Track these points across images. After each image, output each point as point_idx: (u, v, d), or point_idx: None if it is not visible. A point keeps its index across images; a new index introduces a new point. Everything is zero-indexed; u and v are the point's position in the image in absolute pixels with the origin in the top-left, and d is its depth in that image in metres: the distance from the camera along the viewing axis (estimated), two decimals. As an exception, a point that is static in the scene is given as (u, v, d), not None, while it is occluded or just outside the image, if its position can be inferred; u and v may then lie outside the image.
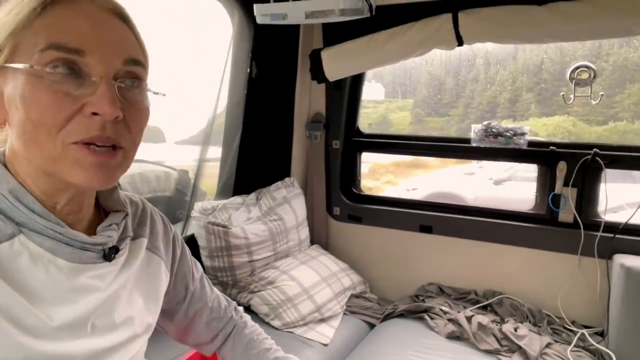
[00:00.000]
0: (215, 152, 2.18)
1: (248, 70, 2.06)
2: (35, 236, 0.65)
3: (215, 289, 1.06)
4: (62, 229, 0.66)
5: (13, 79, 0.61)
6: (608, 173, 1.89)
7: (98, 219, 0.76)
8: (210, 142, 2.08)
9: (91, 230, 0.73)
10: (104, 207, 0.79)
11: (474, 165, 5.67)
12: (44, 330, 0.64)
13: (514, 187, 4.95)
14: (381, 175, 6.47)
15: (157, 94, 0.72)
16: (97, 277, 0.71)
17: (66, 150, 0.62)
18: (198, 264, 1.02)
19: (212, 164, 2.19)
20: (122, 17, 0.67)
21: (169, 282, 0.92)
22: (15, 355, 0.60)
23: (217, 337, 1.02)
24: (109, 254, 0.72)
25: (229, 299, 1.08)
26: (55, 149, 0.61)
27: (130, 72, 0.65)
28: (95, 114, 0.61)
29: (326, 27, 2.08)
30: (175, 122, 2.20)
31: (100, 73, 0.61)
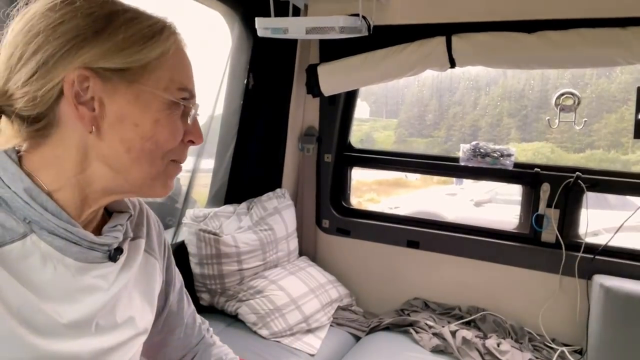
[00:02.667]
0: (208, 163, 2.19)
1: (245, 81, 2.09)
2: (46, 235, 0.66)
3: (192, 305, 1.05)
4: (73, 228, 0.67)
5: (136, 96, 0.67)
6: (591, 198, 1.97)
7: (103, 220, 0.78)
8: (204, 153, 2.09)
9: (96, 231, 0.75)
10: (107, 208, 0.80)
11: (455, 186, 5.77)
12: (53, 328, 0.65)
13: (495, 209, 5.05)
14: (364, 192, 6.51)
15: None
16: (101, 277, 0.73)
17: (167, 166, 0.73)
18: (180, 276, 1.01)
19: (204, 174, 2.21)
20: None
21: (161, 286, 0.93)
22: (24, 356, 0.61)
23: (186, 357, 1.01)
24: (115, 254, 0.74)
25: (202, 317, 1.08)
26: (163, 165, 0.72)
27: None
28: (191, 142, 0.75)
29: (323, 43, 2.12)
30: None
31: (194, 110, 0.73)
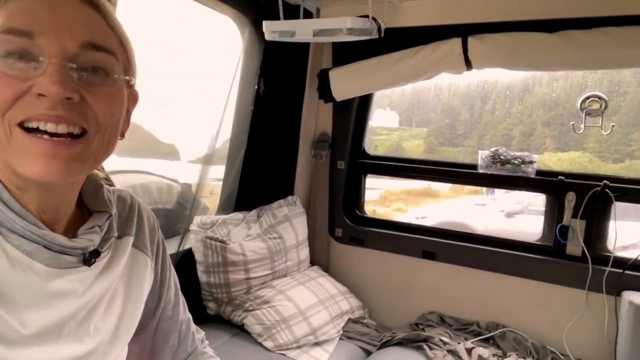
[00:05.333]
0: (219, 170, 2.17)
1: (256, 86, 2.06)
2: (14, 238, 0.63)
3: (188, 312, 1.00)
4: (40, 230, 0.63)
5: None
6: (620, 210, 1.84)
7: (81, 220, 0.73)
8: (214, 161, 2.07)
9: (72, 232, 0.70)
10: (87, 207, 0.76)
11: (486, 196, 5.61)
12: (15, 339, 0.61)
13: (526, 220, 4.86)
14: (392, 202, 6.43)
15: (130, 80, 0.69)
16: (75, 282, 0.69)
17: (14, 133, 0.59)
18: (176, 279, 0.97)
19: (215, 183, 2.19)
20: (91, 3, 0.64)
21: (152, 284, 0.88)
22: None
23: None
24: (89, 258, 0.70)
25: (197, 327, 1.03)
26: (4, 132, 0.59)
27: (91, 58, 0.63)
28: (42, 95, 0.59)
29: (336, 47, 2.09)
30: (191, 140, 2.20)
31: (50, 54, 0.59)
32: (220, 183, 2.19)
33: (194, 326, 1.00)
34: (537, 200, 4.75)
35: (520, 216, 4.95)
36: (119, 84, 0.67)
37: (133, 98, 0.74)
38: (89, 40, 0.62)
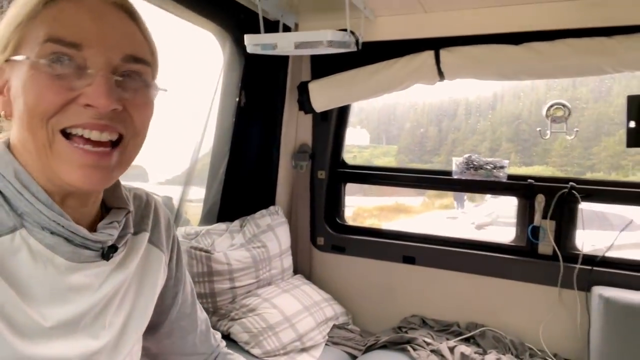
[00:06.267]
0: (199, 192, 2.18)
1: (237, 99, 2.11)
2: (37, 231, 0.64)
3: (204, 312, 1.01)
4: (65, 221, 0.65)
5: (18, 70, 0.62)
6: (587, 220, 1.95)
7: (99, 215, 0.75)
8: (193, 182, 2.08)
9: (92, 227, 0.72)
10: (105, 203, 0.78)
11: (456, 210, 5.75)
12: (36, 331, 0.63)
13: (496, 231, 5.01)
14: (365, 219, 6.50)
15: (163, 90, 0.72)
16: (92, 276, 0.70)
17: (56, 140, 0.61)
18: (190, 278, 0.98)
19: (194, 204, 2.19)
20: (129, 12, 0.67)
21: (166, 281, 0.89)
22: (3, 354, 0.59)
23: None
24: (108, 252, 0.71)
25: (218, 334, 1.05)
26: (46, 137, 0.61)
27: (130, 69, 0.66)
28: (89, 105, 0.61)
29: (314, 60, 2.15)
30: (161, 161, 2.20)
31: (98, 66, 0.62)
32: (194, 204, 2.20)
33: (210, 326, 1.02)
34: (506, 212, 4.91)
35: (490, 227, 5.09)
36: (153, 92, 0.70)
37: None
38: (130, 53, 0.65)
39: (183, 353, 0.96)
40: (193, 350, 0.96)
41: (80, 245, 0.67)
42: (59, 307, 0.66)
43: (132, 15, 0.68)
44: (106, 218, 0.73)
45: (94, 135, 0.63)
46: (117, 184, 0.80)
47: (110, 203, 0.78)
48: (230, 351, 1.04)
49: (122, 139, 0.66)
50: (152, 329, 0.90)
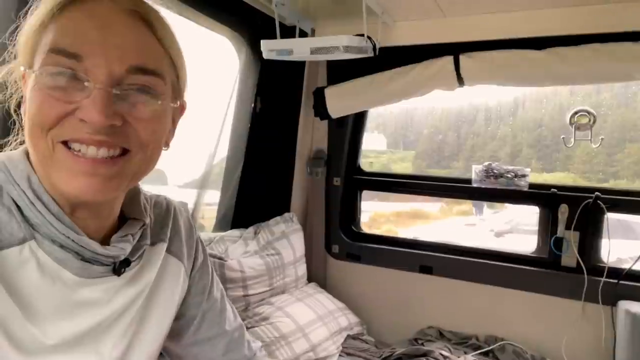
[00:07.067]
0: (214, 196, 2.16)
1: (252, 104, 2.09)
2: (47, 244, 0.62)
3: (239, 319, 0.97)
4: (75, 235, 0.63)
5: (28, 80, 0.62)
6: (611, 229, 1.87)
7: (116, 227, 0.73)
8: (209, 186, 2.06)
9: (107, 240, 0.70)
10: (124, 212, 0.75)
11: (475, 216, 5.66)
12: (37, 348, 0.61)
13: (516, 239, 4.91)
14: (381, 224, 6.45)
15: (175, 99, 0.69)
16: (102, 291, 0.68)
17: (56, 150, 0.60)
18: (219, 282, 0.95)
19: (211, 207, 2.18)
20: (144, 19, 0.63)
21: (187, 290, 0.87)
22: None
23: None
24: (119, 267, 0.69)
25: (252, 337, 1.01)
26: (47, 148, 0.59)
27: (136, 80, 0.62)
28: (84, 120, 0.59)
29: (331, 66, 2.13)
30: (181, 164, 2.19)
31: (97, 78, 0.59)
32: (210, 207, 2.18)
33: (248, 334, 0.97)
34: (526, 220, 4.81)
35: (509, 235, 5.00)
36: (163, 103, 0.66)
37: (180, 108, 0.74)
38: (137, 65, 0.62)
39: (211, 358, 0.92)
40: (223, 358, 0.92)
41: (91, 260, 0.65)
42: (64, 323, 0.64)
43: (148, 22, 0.64)
44: (120, 230, 0.71)
45: (90, 151, 0.60)
46: (137, 192, 0.77)
47: (128, 213, 0.75)
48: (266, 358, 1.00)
49: (127, 152, 0.63)
50: (176, 337, 0.88)
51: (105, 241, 0.68)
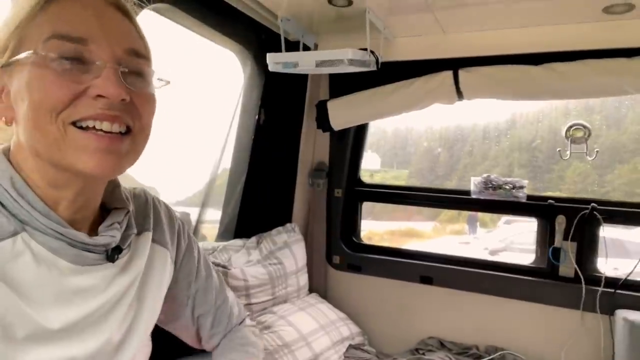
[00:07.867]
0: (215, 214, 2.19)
1: (256, 116, 2.13)
2: (39, 235, 0.64)
3: (232, 295, 1.02)
4: (63, 229, 0.65)
5: (19, 72, 0.63)
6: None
7: (101, 218, 0.75)
8: (210, 203, 2.09)
9: (93, 230, 0.72)
10: (105, 205, 0.78)
11: (469, 235, 5.70)
12: (41, 334, 0.63)
13: (510, 257, 4.94)
14: (375, 242, 6.44)
15: (162, 80, 0.73)
16: (99, 279, 0.71)
17: (68, 132, 0.62)
18: (208, 263, 0.99)
19: (210, 225, 2.19)
20: (123, 11, 0.69)
21: (173, 276, 0.90)
22: None
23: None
24: (112, 254, 0.72)
25: (241, 309, 1.05)
26: (58, 131, 0.61)
27: (134, 63, 0.67)
28: (100, 96, 0.62)
29: (333, 79, 2.18)
30: (175, 181, 2.21)
31: (104, 58, 0.63)
32: (210, 225, 2.20)
33: (231, 308, 1.02)
34: (520, 238, 4.86)
35: (503, 253, 5.03)
36: (152, 87, 0.72)
37: None
38: (131, 47, 0.67)
39: (202, 335, 0.99)
40: (209, 334, 0.98)
41: (84, 249, 0.68)
42: (65, 310, 0.66)
43: (127, 14, 0.70)
44: (107, 220, 0.74)
45: (105, 126, 0.63)
46: (117, 184, 0.80)
47: (110, 204, 0.78)
48: (241, 329, 1.03)
49: (130, 131, 0.67)
50: (176, 318, 0.93)
51: (92, 232, 0.71)
